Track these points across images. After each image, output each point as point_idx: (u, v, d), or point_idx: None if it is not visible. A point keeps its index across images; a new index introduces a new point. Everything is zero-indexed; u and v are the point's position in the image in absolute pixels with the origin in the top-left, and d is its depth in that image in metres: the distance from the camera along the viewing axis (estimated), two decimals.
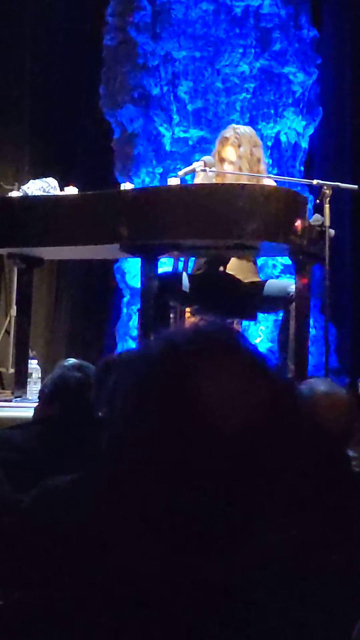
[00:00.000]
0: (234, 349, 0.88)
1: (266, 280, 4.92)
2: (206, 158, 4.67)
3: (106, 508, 0.91)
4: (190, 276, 4.83)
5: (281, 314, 4.87)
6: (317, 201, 4.55)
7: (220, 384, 0.84)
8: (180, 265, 5.01)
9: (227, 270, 4.75)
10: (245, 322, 5.64)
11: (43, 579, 0.93)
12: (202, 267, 4.83)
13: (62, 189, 5.01)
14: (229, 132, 4.80)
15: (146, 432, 0.85)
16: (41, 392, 2.93)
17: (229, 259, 4.73)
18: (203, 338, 0.89)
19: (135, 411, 0.87)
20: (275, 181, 5.13)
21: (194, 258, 4.97)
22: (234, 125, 5.00)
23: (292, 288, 4.58)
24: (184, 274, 4.87)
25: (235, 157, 4.68)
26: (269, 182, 4.84)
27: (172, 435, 0.83)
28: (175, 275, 4.89)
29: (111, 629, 0.83)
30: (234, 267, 4.75)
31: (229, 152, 4.70)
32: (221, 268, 4.74)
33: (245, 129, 4.91)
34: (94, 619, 0.84)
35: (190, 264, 5.00)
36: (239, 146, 4.69)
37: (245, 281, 4.74)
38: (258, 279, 4.88)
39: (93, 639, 0.83)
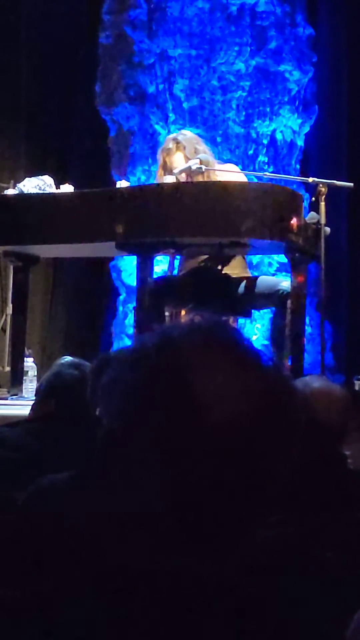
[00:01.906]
0: (230, 344, 0.88)
1: (257, 277, 4.93)
2: (202, 156, 4.67)
3: (102, 505, 0.91)
4: (181, 276, 4.84)
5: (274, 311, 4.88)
6: (313, 199, 4.55)
7: (216, 379, 0.84)
8: (177, 263, 5.02)
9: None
10: (241, 320, 5.64)
11: (39, 578, 0.93)
12: (191, 266, 4.85)
13: (57, 187, 5.00)
14: (169, 143, 4.88)
15: (141, 428, 0.85)
16: (38, 389, 2.93)
17: (229, 259, 4.75)
18: (199, 333, 0.89)
19: (131, 407, 0.87)
20: (271, 179, 5.13)
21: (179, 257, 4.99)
22: (170, 135, 5.08)
23: (283, 285, 4.59)
24: (177, 274, 4.88)
25: (184, 161, 4.71)
26: (241, 177, 4.88)
27: (167, 431, 0.83)
28: (169, 278, 4.90)
29: (107, 625, 0.83)
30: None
31: (177, 159, 4.74)
32: (219, 267, 4.76)
33: (183, 133, 5.04)
34: (90, 616, 0.84)
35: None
36: (184, 148, 4.74)
37: (235, 276, 4.74)
38: (248, 274, 4.89)
39: (89, 636, 0.83)
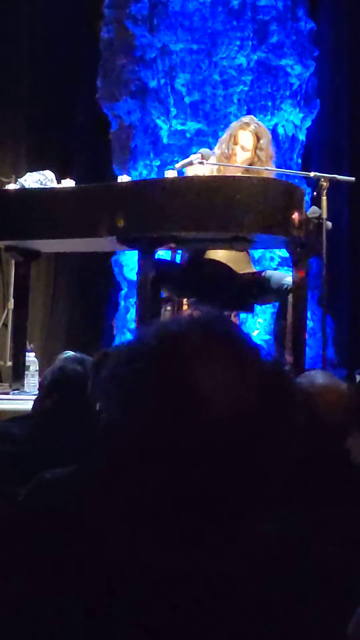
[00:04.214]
0: (229, 338, 0.88)
1: (261, 272, 4.92)
2: (203, 150, 4.67)
3: (103, 500, 0.91)
4: (183, 268, 4.84)
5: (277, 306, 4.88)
6: (315, 193, 4.55)
7: (215, 373, 0.84)
8: (178, 257, 5.02)
9: (220, 260, 4.76)
10: (242, 315, 5.64)
11: (39, 573, 0.93)
12: (187, 259, 4.86)
13: (59, 182, 5.00)
14: (248, 119, 4.83)
15: (140, 422, 0.85)
16: (40, 384, 2.94)
17: (206, 248, 4.75)
18: (199, 328, 0.88)
19: (130, 401, 0.86)
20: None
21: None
22: (252, 116, 5.05)
23: (287, 280, 4.59)
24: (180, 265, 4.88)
25: (252, 146, 4.70)
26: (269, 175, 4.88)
27: (167, 425, 0.83)
28: (171, 264, 4.89)
29: (107, 621, 0.83)
30: (228, 257, 4.75)
31: (247, 138, 4.72)
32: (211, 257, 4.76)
33: (263, 124, 4.99)
34: (90, 612, 0.84)
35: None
36: (259, 137, 4.72)
37: (240, 272, 4.74)
38: (253, 270, 4.88)
39: (89, 631, 0.83)
